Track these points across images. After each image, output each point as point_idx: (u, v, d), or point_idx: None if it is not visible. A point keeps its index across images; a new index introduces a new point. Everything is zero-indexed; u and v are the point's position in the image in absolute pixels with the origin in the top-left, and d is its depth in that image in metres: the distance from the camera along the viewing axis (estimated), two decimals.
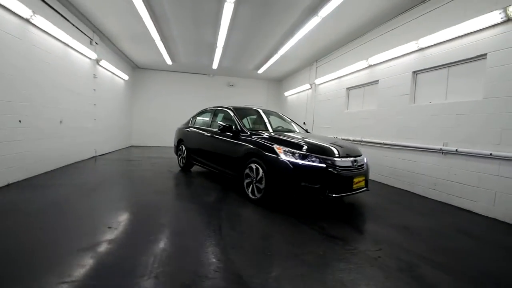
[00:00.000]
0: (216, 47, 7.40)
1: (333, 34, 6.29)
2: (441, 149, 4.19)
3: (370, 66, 5.99)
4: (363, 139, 6.05)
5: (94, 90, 7.03)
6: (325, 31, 6.05)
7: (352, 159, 3.39)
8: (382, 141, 5.48)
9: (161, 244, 2.30)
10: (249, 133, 4.00)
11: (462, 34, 3.90)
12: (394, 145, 5.17)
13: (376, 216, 3.41)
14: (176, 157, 6.45)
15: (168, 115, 11.47)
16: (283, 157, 3.21)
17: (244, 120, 4.58)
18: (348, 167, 3.30)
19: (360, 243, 2.54)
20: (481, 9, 3.61)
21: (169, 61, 9.25)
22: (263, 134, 3.83)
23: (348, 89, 7.01)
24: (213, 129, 4.88)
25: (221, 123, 4.40)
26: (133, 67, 10.73)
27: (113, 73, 8.39)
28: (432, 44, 4.40)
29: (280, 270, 1.97)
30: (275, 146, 3.35)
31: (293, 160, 3.16)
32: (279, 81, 12.57)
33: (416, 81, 4.89)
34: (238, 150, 3.94)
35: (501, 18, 3.34)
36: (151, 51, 8.35)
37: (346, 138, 6.49)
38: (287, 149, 3.26)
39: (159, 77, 11.32)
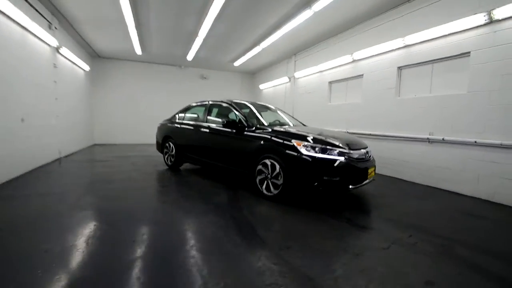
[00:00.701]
0: (197, 37, 6.95)
1: (318, 28, 6.38)
2: (428, 138, 4.61)
3: (354, 61, 6.26)
4: (348, 131, 6.34)
5: (55, 82, 6.06)
6: (310, 25, 6.09)
7: (364, 150, 3.52)
8: (368, 132, 5.82)
9: (219, 264, 2.09)
10: (254, 128, 3.87)
11: (447, 34, 4.28)
12: (381, 136, 5.52)
13: (385, 203, 3.60)
14: (161, 154, 5.99)
15: (136, 109, 10.57)
16: (304, 152, 3.18)
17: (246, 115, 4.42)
18: (362, 159, 3.42)
19: (391, 232, 2.65)
20: (465, 12, 3.99)
21: (138, 51, 8.43)
22: (273, 129, 3.74)
23: (331, 82, 7.25)
24: (212, 125, 4.61)
25: (226, 118, 4.21)
26: (94, 56, 9.53)
27: (73, 63, 7.34)
28: (418, 41, 4.75)
29: (341, 267, 1.96)
30: (295, 141, 3.29)
31: (314, 154, 3.15)
32: (253, 74, 12.45)
33: (401, 75, 5.25)
34: (248, 146, 3.80)
35: (485, 20, 3.74)
36: (119, 39, 7.51)
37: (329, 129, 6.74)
38: (307, 143, 3.23)
39: (124, 67, 10.27)
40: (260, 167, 3.59)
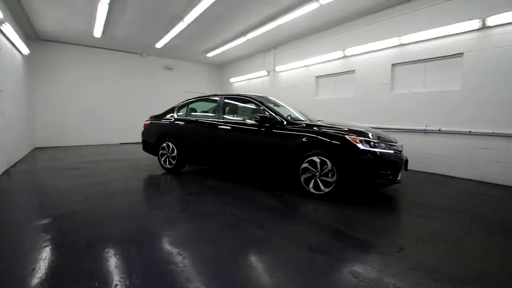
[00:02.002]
0: (181, 22, 6.16)
1: (306, 23, 6.37)
2: (424, 130, 5.14)
3: (345, 56, 6.51)
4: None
5: None
6: (298, 20, 6.00)
7: (401, 143, 3.69)
8: (363, 125, 6.17)
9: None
10: (287, 124, 3.67)
11: (442, 35, 4.79)
12: (378, 128, 5.92)
13: (415, 190, 3.88)
14: (152, 156, 5.23)
15: (89, 104, 8.91)
16: (361, 147, 3.13)
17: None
18: (400, 151, 3.58)
19: (453, 218, 2.85)
20: (461, 17, 4.52)
21: (98, 33, 7.01)
22: (308, 124, 3.61)
23: (318, 77, 7.41)
24: (233, 121, 4.17)
25: (250, 114, 3.87)
26: (33, 38, 7.54)
27: (13, 45, 5.65)
28: (413, 41, 5.21)
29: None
30: (349, 137, 3.22)
31: (370, 149, 3.15)
32: (221, 66, 11.85)
33: (394, 72, 5.70)
34: (286, 143, 3.57)
35: (479, 25, 4.31)
36: (77, 17, 6.12)
37: None
38: (363, 138, 3.20)
39: (74, 53, 8.46)
40: (305, 165, 3.41)
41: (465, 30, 4.51)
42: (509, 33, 4.07)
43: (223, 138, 4.18)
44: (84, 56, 8.66)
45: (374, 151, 3.14)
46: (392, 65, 5.66)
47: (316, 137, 3.38)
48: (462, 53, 4.62)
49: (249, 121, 4.09)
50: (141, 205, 3.22)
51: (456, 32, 4.61)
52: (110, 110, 9.28)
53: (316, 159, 3.34)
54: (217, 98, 4.55)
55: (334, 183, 3.24)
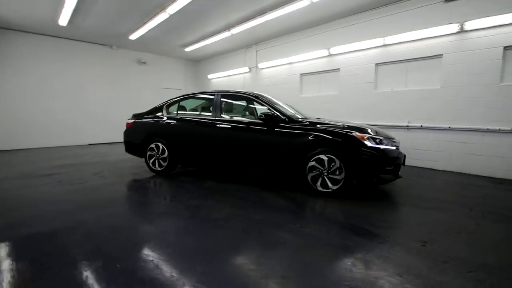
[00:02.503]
0: (163, 12, 5.72)
1: (292, 21, 6.37)
2: (407, 126, 5.46)
3: (330, 55, 6.64)
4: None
5: None
6: (283, 17, 6.00)
7: (398, 140, 3.85)
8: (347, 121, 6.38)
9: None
10: (291, 122, 3.62)
11: (424, 37, 5.10)
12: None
13: (406, 184, 4.09)
14: (134, 157, 4.88)
15: (53, 101, 7.95)
16: (368, 144, 3.19)
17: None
18: (398, 147, 3.73)
19: (454, 209, 3.04)
20: (440, 21, 4.85)
21: (64, 21, 6.23)
22: (312, 122, 3.59)
23: (302, 75, 7.48)
24: (231, 120, 3.99)
25: (247, 111, 3.76)
26: None
27: None
28: (396, 42, 5.47)
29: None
30: (357, 134, 3.26)
31: (376, 146, 3.22)
32: (197, 62, 11.40)
33: (378, 71, 5.96)
34: (291, 142, 3.51)
35: (457, 29, 4.66)
36: (41, 2, 5.35)
37: None
38: (369, 135, 3.26)
39: (32, 43, 7.43)
40: (312, 163, 3.38)
41: (444, 33, 4.85)
42: (484, 37, 4.47)
43: (223, 137, 3.98)
44: (45, 48, 7.67)
45: (380, 148, 3.22)
46: (376, 64, 5.90)
47: (323, 135, 3.37)
48: (442, 55, 4.97)
49: (250, 120, 3.96)
50: (144, 216, 2.87)
51: (436, 34, 4.94)
52: (76, 108, 8.38)
53: (323, 157, 3.32)
54: (213, 95, 4.31)
55: (342, 180, 3.27)
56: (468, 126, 4.72)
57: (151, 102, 10.08)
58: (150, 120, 4.61)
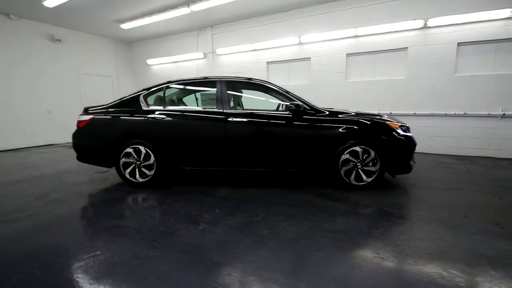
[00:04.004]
0: None
1: (260, 2, 5.92)
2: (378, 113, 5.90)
3: (301, 43, 6.50)
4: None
5: None
6: None
7: None
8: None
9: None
10: (315, 113, 3.30)
11: (392, 31, 5.52)
12: None
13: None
14: (83, 166, 3.66)
15: None
16: (401, 132, 3.17)
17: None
18: None
19: (467, 188, 3.38)
20: (406, 16, 5.32)
21: None
22: (334, 111, 3.36)
23: (269, 63, 7.12)
24: (250, 112, 3.32)
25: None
26: None
27: None
28: (367, 34, 5.76)
29: None
30: (390, 123, 3.19)
31: (406, 134, 3.24)
32: (131, 43, 9.48)
33: (348, 61, 6.18)
34: (325, 135, 3.19)
35: (422, 25, 5.21)
36: None
37: None
38: (400, 124, 3.24)
39: None
40: (346, 156, 3.16)
41: (410, 28, 5.36)
42: (443, 34, 5.14)
43: (238, 134, 3.28)
44: None
45: (408, 135, 3.26)
46: (347, 54, 6.11)
47: (357, 125, 3.18)
48: (407, 48, 5.51)
49: (271, 111, 3.40)
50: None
51: (403, 29, 5.41)
52: None
53: (358, 148, 3.15)
54: (213, 83, 3.49)
55: (377, 172, 3.17)
56: (430, 112, 5.44)
57: (69, 91, 7.87)
58: (124, 116, 3.41)
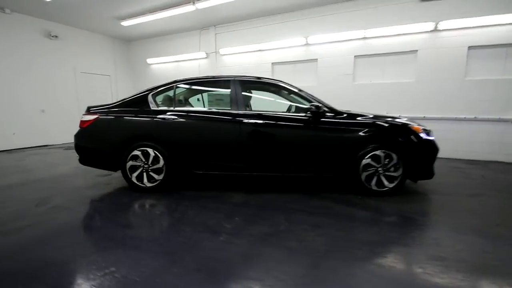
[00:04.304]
0: None
1: (267, 1, 5.79)
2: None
3: (308, 44, 6.38)
4: None
5: None
6: None
7: None
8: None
9: None
10: (335, 115, 3.15)
11: (402, 33, 5.44)
12: None
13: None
14: (82, 169, 3.46)
15: None
16: (425, 136, 3.05)
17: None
18: None
19: (488, 193, 3.28)
20: (417, 18, 5.25)
21: None
22: (351, 114, 3.21)
23: (274, 64, 6.98)
24: (268, 114, 3.14)
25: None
26: None
27: None
28: (376, 36, 5.66)
29: None
30: (412, 126, 3.06)
31: (429, 138, 3.12)
32: (130, 42, 9.21)
33: (356, 63, 6.09)
34: (345, 139, 3.05)
35: (432, 28, 5.15)
36: None
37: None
38: (423, 127, 3.12)
39: None
40: (368, 160, 3.02)
41: (421, 31, 5.29)
42: (454, 37, 5.08)
43: (254, 136, 3.10)
44: None
45: (431, 139, 3.14)
46: (355, 56, 6.01)
47: (378, 129, 3.05)
48: (417, 50, 5.43)
49: (288, 113, 3.26)
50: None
51: (413, 31, 5.34)
52: None
53: (380, 153, 3.01)
54: (227, 83, 3.30)
55: (400, 177, 3.04)
56: (439, 116, 5.37)
57: (66, 91, 7.55)
58: (132, 117, 3.19)
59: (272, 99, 3.92)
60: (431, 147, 3.08)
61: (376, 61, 5.90)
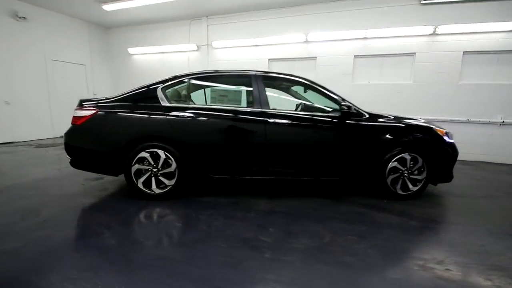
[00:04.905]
0: None
1: None
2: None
3: (307, 41, 6.23)
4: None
5: None
6: None
7: None
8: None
9: None
10: (361, 116, 3.04)
11: (401, 35, 5.51)
12: None
13: None
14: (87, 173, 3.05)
15: None
16: (448, 139, 3.04)
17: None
18: None
19: (496, 194, 3.38)
20: (416, 22, 5.34)
21: None
22: (373, 114, 3.12)
23: (271, 60, 6.74)
24: (292, 113, 2.95)
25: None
26: None
27: None
28: (376, 36, 5.68)
29: None
30: (436, 129, 3.04)
31: (450, 141, 3.11)
32: (109, 29, 8.36)
33: (355, 63, 6.07)
34: (374, 141, 2.94)
35: (431, 31, 5.27)
36: None
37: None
38: (446, 130, 3.11)
39: None
40: (394, 164, 2.94)
41: (419, 34, 5.39)
42: (451, 41, 5.24)
43: (280, 138, 2.86)
44: None
45: (452, 143, 3.14)
46: (355, 56, 5.99)
47: (405, 131, 2.98)
48: (415, 53, 5.54)
49: (314, 113, 3.07)
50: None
51: (412, 34, 5.43)
52: None
53: (406, 156, 2.94)
54: (247, 79, 3.02)
55: (423, 180, 3.01)
56: (435, 118, 5.54)
57: (35, 80, 6.61)
58: (139, 113, 2.76)
59: (284, 97, 3.74)
60: (453, 150, 3.09)
61: (375, 62, 5.93)
